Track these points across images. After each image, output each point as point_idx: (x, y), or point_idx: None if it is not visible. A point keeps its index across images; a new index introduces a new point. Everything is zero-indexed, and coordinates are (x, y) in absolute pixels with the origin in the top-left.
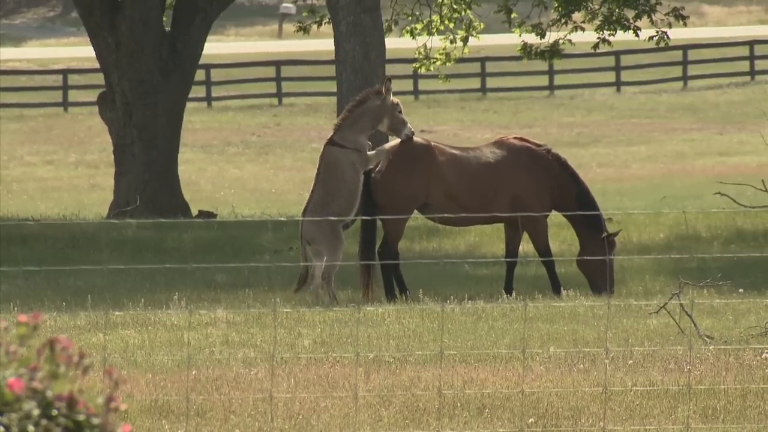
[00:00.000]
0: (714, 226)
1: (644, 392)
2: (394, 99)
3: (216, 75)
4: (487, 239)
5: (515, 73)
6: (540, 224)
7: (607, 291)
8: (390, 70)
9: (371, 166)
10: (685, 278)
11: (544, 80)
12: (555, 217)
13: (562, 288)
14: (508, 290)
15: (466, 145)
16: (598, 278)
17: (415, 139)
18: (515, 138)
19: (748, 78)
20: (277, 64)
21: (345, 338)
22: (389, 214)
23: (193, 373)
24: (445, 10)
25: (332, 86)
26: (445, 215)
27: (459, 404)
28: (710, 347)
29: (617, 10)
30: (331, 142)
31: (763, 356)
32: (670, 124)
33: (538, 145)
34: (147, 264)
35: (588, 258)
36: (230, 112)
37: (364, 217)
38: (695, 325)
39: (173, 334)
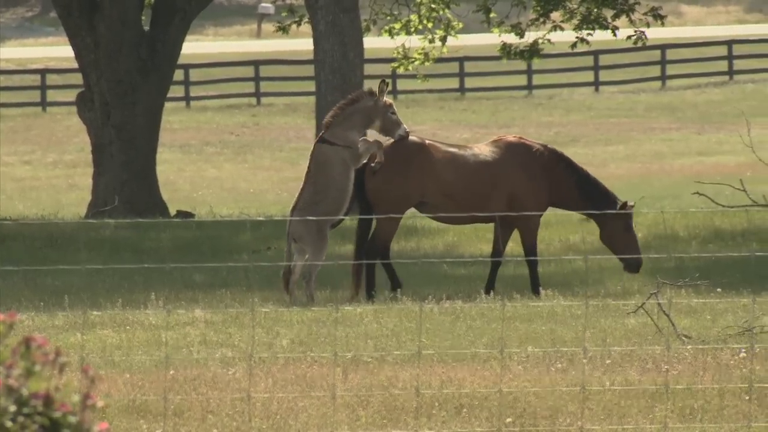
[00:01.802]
0: (692, 226)
1: (622, 392)
2: (387, 100)
3: (195, 75)
4: (465, 239)
5: (494, 72)
6: (533, 223)
7: (636, 264)
8: (368, 69)
9: (364, 161)
10: (663, 278)
11: (522, 80)
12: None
13: (541, 288)
14: (488, 289)
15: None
16: (626, 251)
17: (410, 137)
18: (513, 137)
19: (726, 78)
20: (256, 63)
21: (323, 338)
22: (381, 213)
23: (171, 372)
24: (423, 10)
25: (311, 86)
26: (442, 214)
27: (437, 404)
28: (688, 347)
29: (596, 10)
30: (321, 140)
31: (741, 356)
32: (649, 123)
33: (538, 144)
34: (125, 264)
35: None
36: (209, 111)
37: (356, 217)
38: (673, 324)
39: (151, 333)
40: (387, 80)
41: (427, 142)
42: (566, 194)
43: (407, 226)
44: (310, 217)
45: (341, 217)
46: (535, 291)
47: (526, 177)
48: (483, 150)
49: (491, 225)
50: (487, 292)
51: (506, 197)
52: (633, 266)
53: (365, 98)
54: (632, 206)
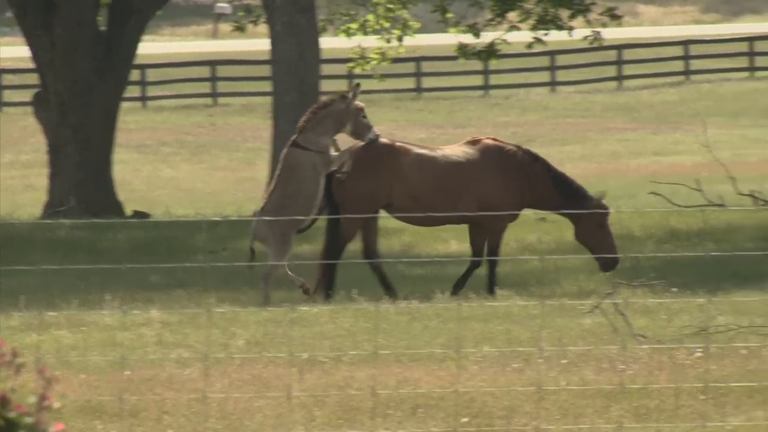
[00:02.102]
0: (648, 226)
1: (578, 391)
2: (359, 103)
3: (151, 75)
4: (421, 239)
5: (450, 72)
6: (501, 223)
7: (612, 262)
8: (325, 69)
9: (334, 168)
10: (619, 278)
11: (479, 80)
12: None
13: (496, 287)
14: (457, 288)
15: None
16: (601, 249)
17: (380, 139)
18: (487, 138)
19: (682, 78)
20: (212, 63)
21: (279, 338)
22: (347, 213)
23: (127, 373)
24: (380, 10)
25: (267, 86)
26: (410, 215)
27: (393, 404)
28: (644, 346)
29: (552, 10)
30: (294, 144)
31: (696, 355)
32: (605, 123)
33: (512, 146)
34: (81, 264)
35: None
36: (165, 111)
37: (321, 217)
38: (629, 324)
39: (107, 334)
40: (359, 82)
41: (397, 144)
42: (542, 195)
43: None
44: (285, 218)
45: (310, 219)
46: (491, 290)
47: (498, 178)
48: (455, 151)
49: (449, 226)
50: (455, 291)
51: (476, 199)
52: (609, 264)
53: (338, 101)
54: (601, 198)
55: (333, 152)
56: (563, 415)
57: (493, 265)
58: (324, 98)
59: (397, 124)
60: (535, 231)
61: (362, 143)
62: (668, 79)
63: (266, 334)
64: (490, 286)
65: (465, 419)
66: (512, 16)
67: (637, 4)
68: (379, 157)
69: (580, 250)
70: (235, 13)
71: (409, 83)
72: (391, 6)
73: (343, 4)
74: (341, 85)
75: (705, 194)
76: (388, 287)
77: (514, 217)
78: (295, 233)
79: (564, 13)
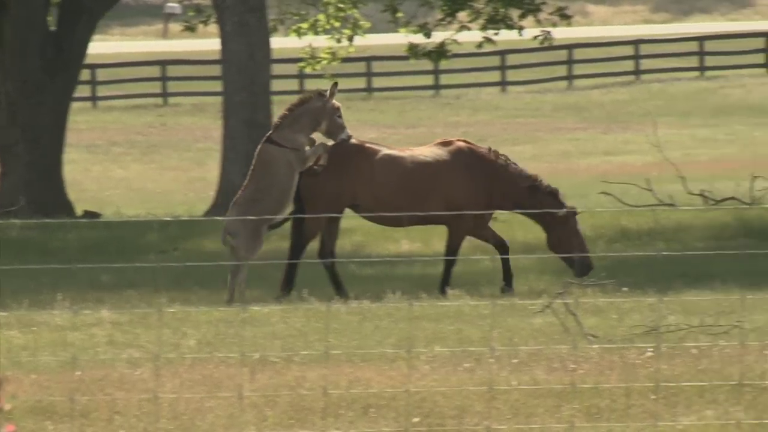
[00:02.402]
0: (598, 225)
1: (529, 391)
2: (336, 103)
3: (101, 75)
4: (372, 239)
5: (401, 72)
6: (464, 224)
7: (586, 267)
8: (276, 69)
9: (310, 164)
10: (570, 277)
11: (429, 80)
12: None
13: (447, 288)
14: (443, 288)
15: None
16: (574, 256)
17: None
18: (458, 140)
19: (633, 77)
20: (163, 63)
21: (230, 338)
22: (311, 212)
23: (78, 373)
24: (330, 9)
25: (218, 86)
26: (377, 214)
27: (344, 404)
28: (594, 346)
29: (502, 10)
30: (269, 140)
31: (647, 355)
32: (555, 123)
33: (483, 148)
34: (31, 264)
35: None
36: (115, 111)
37: (292, 216)
38: (580, 324)
39: (58, 334)
40: (337, 81)
41: (366, 144)
42: (513, 197)
43: None
44: (249, 216)
45: (281, 217)
46: (442, 290)
47: (466, 180)
48: (424, 153)
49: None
50: (442, 291)
51: (443, 200)
52: (584, 270)
53: (314, 99)
54: (574, 208)
55: (307, 149)
56: (514, 414)
57: (449, 264)
58: (301, 96)
59: (348, 124)
60: None
61: (332, 144)
62: (618, 79)
63: (217, 334)
64: (442, 285)
65: (416, 419)
66: (462, 15)
67: (587, 3)
68: (345, 158)
69: (530, 250)
70: (185, 13)
71: (360, 83)
72: (341, 6)
73: (294, 4)
74: (292, 85)
75: (655, 194)
76: (339, 287)
77: (484, 219)
78: (267, 229)
79: (514, 13)
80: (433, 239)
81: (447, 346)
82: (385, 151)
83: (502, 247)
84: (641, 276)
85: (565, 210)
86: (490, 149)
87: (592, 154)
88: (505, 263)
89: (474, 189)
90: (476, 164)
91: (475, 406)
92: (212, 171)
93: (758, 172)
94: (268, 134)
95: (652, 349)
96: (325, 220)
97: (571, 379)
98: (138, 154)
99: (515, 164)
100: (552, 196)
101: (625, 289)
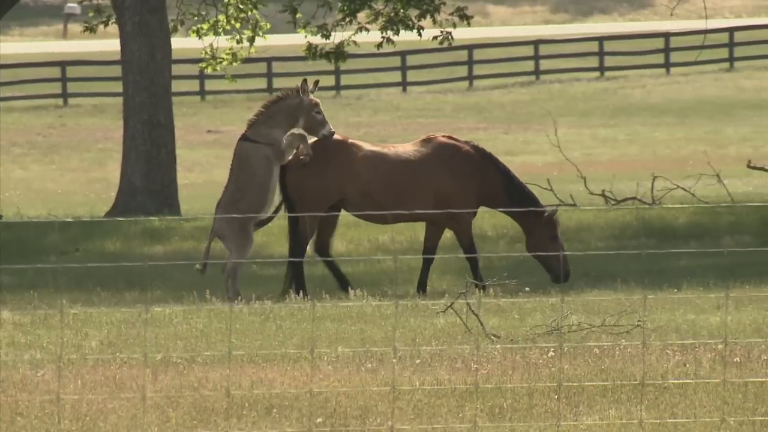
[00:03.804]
0: (500, 225)
1: (432, 391)
2: (314, 98)
3: (0, 75)
4: (274, 239)
5: (301, 73)
6: (464, 222)
7: (564, 273)
8: (176, 70)
9: (289, 157)
10: (472, 277)
11: (330, 80)
12: (344, 217)
13: (351, 288)
14: (422, 286)
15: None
16: (553, 261)
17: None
18: (442, 136)
19: (533, 77)
20: (62, 64)
21: (132, 339)
22: (301, 211)
23: None
24: (231, 10)
25: (118, 87)
26: (366, 212)
27: (247, 404)
28: (497, 346)
29: (401, 10)
30: (244, 138)
31: (549, 355)
32: (456, 123)
33: (465, 143)
34: None
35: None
36: (15, 112)
37: (280, 214)
38: (482, 324)
39: None
40: (318, 79)
41: (349, 141)
42: (495, 194)
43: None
44: (235, 215)
45: (270, 215)
46: (481, 286)
47: (453, 176)
48: (408, 149)
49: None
50: (422, 289)
51: (431, 197)
52: (562, 276)
53: (291, 97)
54: (555, 212)
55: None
56: (417, 414)
57: (474, 262)
58: (277, 93)
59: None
60: (387, 231)
61: (315, 140)
62: (519, 79)
63: (120, 335)
64: (476, 281)
65: (320, 419)
66: (362, 16)
67: (486, 4)
68: (330, 154)
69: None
70: (85, 13)
71: (261, 83)
72: (242, 6)
73: (194, 5)
74: (193, 86)
75: (556, 194)
76: (341, 281)
77: (472, 213)
78: (255, 227)
79: (413, 13)
80: (335, 240)
81: (350, 347)
82: (370, 147)
83: (471, 248)
84: (543, 276)
85: (549, 210)
86: (475, 146)
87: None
88: (473, 262)
89: (460, 185)
90: (459, 160)
91: (379, 407)
92: (113, 172)
93: (658, 172)
94: (242, 133)
95: (554, 349)
96: (318, 217)
97: (474, 379)
98: (38, 155)
99: (498, 161)
100: (533, 198)
101: (527, 289)
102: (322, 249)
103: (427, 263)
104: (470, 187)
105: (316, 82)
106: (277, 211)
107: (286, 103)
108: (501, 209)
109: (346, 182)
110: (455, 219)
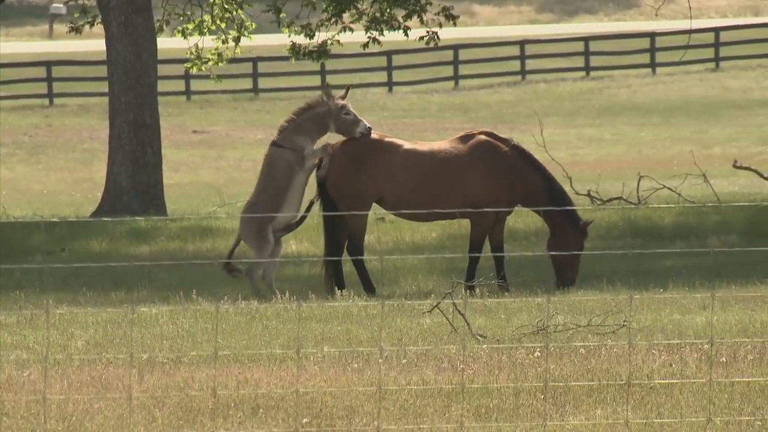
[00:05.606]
0: None
1: (418, 391)
2: (340, 101)
3: None
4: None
5: (287, 73)
6: (485, 220)
7: (570, 281)
8: (162, 70)
9: (310, 164)
10: (458, 277)
11: (316, 80)
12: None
13: (475, 279)
14: (502, 280)
15: (239, 145)
16: (566, 267)
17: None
18: (480, 132)
19: (519, 77)
20: (48, 64)
21: (118, 339)
22: (344, 210)
23: None
24: (216, 10)
25: (104, 86)
26: (403, 212)
27: (233, 404)
28: (483, 346)
29: (387, 10)
30: (273, 144)
31: (536, 355)
32: (442, 123)
33: (504, 140)
34: None
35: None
36: (1, 113)
37: (300, 218)
38: (468, 324)
39: None
40: (349, 86)
41: (385, 139)
42: (532, 193)
43: (201, 227)
44: (252, 220)
45: (299, 219)
46: (471, 288)
47: (486, 175)
48: (444, 147)
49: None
50: (503, 282)
51: (461, 195)
52: (568, 282)
53: (319, 104)
54: (590, 223)
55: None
56: (404, 414)
57: (473, 261)
58: (308, 100)
59: (235, 125)
60: (373, 231)
61: (345, 139)
62: (505, 79)
63: (106, 335)
64: (468, 280)
65: (306, 419)
66: (347, 16)
67: (472, 4)
68: (365, 153)
69: (418, 251)
70: (70, 13)
71: (246, 84)
72: (227, 6)
73: (180, 5)
74: (178, 86)
75: None
76: (366, 284)
77: (505, 212)
78: (282, 231)
79: (399, 13)
80: (321, 239)
81: (336, 347)
82: (405, 145)
83: (500, 248)
84: (529, 276)
85: (586, 219)
86: (514, 144)
87: None
88: (499, 261)
89: (493, 183)
90: (495, 159)
91: (365, 407)
92: (99, 172)
93: (644, 172)
94: (273, 139)
95: (540, 349)
96: (366, 216)
97: (460, 379)
98: (24, 155)
99: (537, 161)
100: (570, 201)
101: (512, 289)
102: (357, 251)
103: (498, 261)
104: (502, 186)
105: (347, 89)
106: (306, 212)
107: (315, 112)
108: (537, 208)
109: (383, 181)
110: (477, 214)
